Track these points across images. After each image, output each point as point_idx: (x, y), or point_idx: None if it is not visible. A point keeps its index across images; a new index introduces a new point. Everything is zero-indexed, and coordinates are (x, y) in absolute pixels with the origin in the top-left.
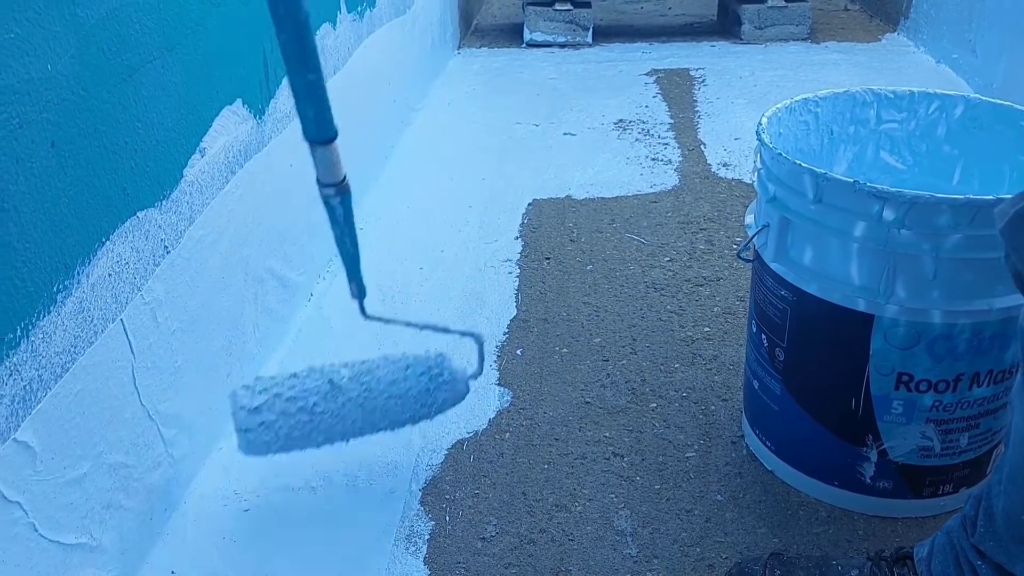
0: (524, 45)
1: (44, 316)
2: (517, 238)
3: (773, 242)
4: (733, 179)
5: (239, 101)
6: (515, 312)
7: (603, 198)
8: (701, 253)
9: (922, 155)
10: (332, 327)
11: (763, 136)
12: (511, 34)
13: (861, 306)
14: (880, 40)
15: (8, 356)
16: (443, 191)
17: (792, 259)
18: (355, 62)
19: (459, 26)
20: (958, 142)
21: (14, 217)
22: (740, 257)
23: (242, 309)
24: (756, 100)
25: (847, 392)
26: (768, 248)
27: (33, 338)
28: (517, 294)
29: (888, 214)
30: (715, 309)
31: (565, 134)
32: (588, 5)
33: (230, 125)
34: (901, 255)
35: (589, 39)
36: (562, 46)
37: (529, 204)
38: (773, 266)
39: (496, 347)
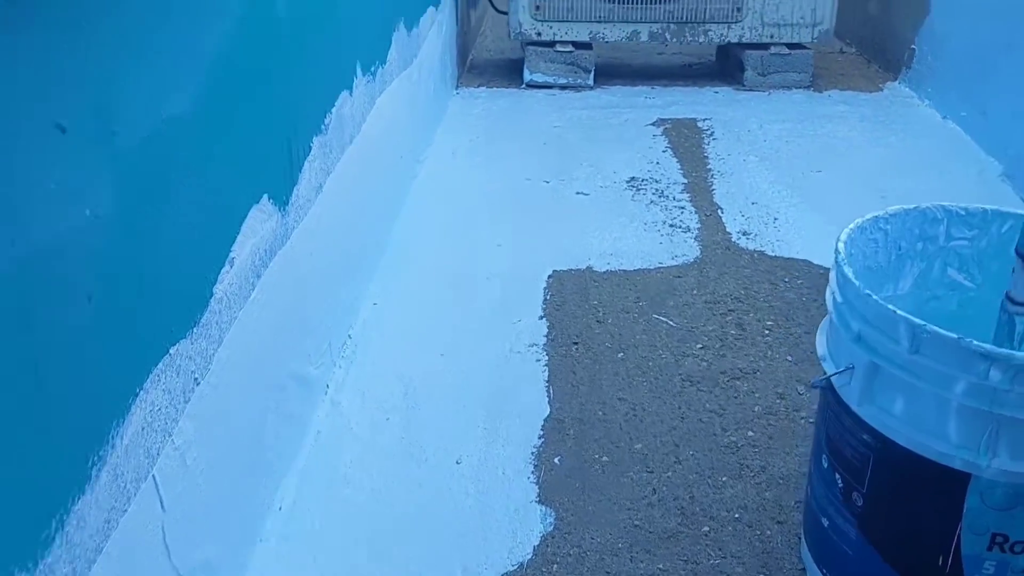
0: (524, 86)
1: (79, 499)
2: (541, 317)
3: (859, 385)
4: (755, 250)
5: (265, 197)
6: (548, 410)
7: (625, 271)
8: (733, 339)
9: (993, 274)
10: (352, 428)
11: (845, 270)
12: (509, 72)
13: (957, 464)
14: (882, 89)
15: (42, 558)
16: (459, 259)
17: (880, 406)
18: (369, 125)
19: (456, 63)
20: None
21: (52, 390)
22: (814, 386)
23: (264, 421)
24: (768, 157)
25: (935, 548)
26: (852, 391)
27: (67, 528)
28: (548, 387)
29: (995, 375)
30: (756, 408)
31: (578, 193)
32: (589, 47)
33: (257, 225)
34: (1007, 417)
35: (590, 81)
36: (563, 87)
37: (549, 276)
38: (857, 410)
39: (532, 454)
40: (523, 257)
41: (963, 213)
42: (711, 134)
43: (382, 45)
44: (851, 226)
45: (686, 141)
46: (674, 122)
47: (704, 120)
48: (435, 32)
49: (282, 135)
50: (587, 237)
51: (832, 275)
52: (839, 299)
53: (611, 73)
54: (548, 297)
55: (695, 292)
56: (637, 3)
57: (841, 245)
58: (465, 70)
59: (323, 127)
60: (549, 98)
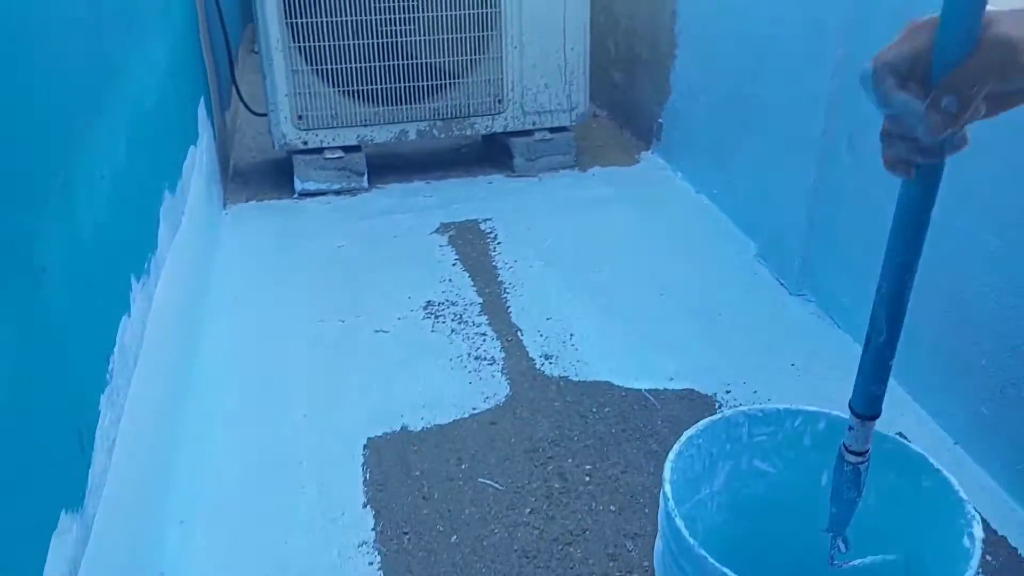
0: (296, 195)
1: None
2: (365, 505)
3: None
4: (560, 378)
5: (62, 517)
6: None
7: (441, 426)
8: (558, 495)
9: (790, 460)
10: None
11: (677, 523)
12: (276, 177)
13: None
14: (638, 161)
15: None
16: (263, 445)
17: None
18: (150, 329)
19: (220, 179)
20: (824, 449)
21: None
22: None
23: None
24: (552, 260)
25: None
26: None
27: None
28: None
29: None
30: None
31: (376, 332)
32: (359, 149)
33: (58, 549)
34: None
35: (365, 183)
36: (338, 193)
37: (365, 447)
38: None
39: None
40: (332, 426)
41: (761, 415)
42: (495, 238)
43: (150, 231)
44: (670, 457)
45: (473, 249)
46: (458, 227)
47: (486, 221)
48: (198, 172)
49: (71, 426)
50: (396, 387)
51: (660, 515)
52: (669, 540)
53: (385, 168)
54: (368, 476)
55: (513, 441)
56: (402, 104)
57: (668, 487)
58: (229, 179)
59: (107, 377)
60: (325, 208)
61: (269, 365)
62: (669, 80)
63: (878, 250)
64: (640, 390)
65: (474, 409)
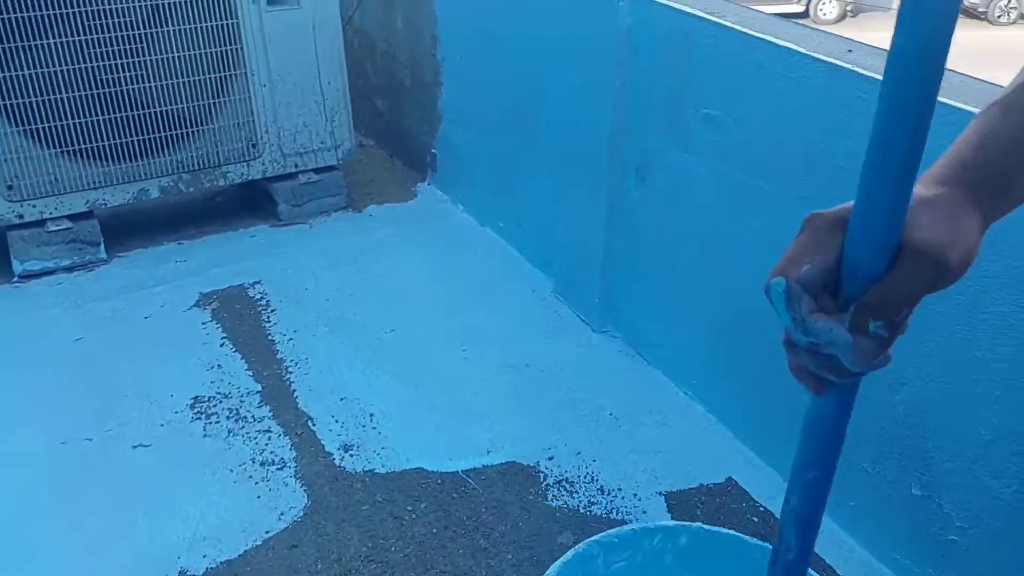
0: (16, 279)
1: None
2: None
3: None
4: (365, 472)
5: None
6: None
7: (228, 562)
8: None
9: None
10: None
11: None
12: None
13: None
14: (415, 195)
15: None
16: None
17: None
18: None
19: None
20: (688, 565)
21: None
22: None
23: None
24: (336, 324)
25: None
26: None
27: None
28: None
29: None
30: None
31: (135, 447)
32: (91, 215)
33: None
34: None
35: (102, 254)
36: (69, 270)
37: None
38: None
39: None
40: None
41: (616, 541)
42: (267, 305)
43: None
44: None
45: (243, 323)
46: (221, 296)
47: (254, 284)
48: None
49: None
50: (166, 519)
51: None
52: None
53: (126, 232)
54: None
55: (320, 567)
56: (138, 159)
57: None
58: None
59: None
60: (55, 291)
61: (12, 509)
62: (438, 107)
63: (678, 280)
64: (457, 472)
65: (267, 532)
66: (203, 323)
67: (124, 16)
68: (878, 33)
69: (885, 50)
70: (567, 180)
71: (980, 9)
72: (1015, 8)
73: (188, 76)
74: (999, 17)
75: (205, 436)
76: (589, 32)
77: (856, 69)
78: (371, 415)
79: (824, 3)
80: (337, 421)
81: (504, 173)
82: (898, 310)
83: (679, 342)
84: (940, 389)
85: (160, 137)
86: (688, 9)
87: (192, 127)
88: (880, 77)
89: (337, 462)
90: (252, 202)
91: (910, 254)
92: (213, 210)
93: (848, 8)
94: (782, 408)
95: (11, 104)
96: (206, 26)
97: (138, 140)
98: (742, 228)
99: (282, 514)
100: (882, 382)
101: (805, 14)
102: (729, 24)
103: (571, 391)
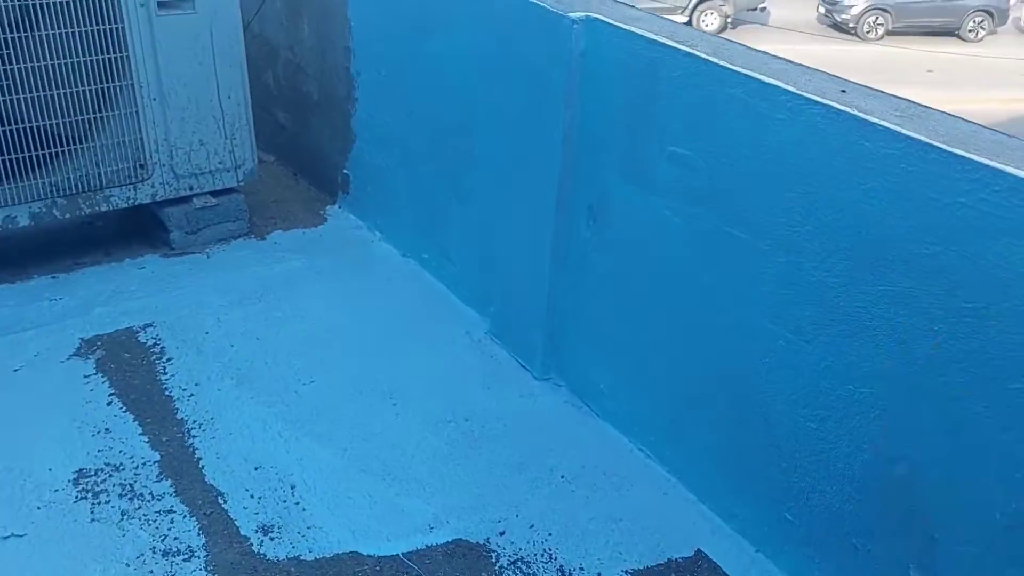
0: None
1: None
2: None
3: None
4: (289, 559)
5: None
6: None
7: None
8: None
9: None
10: None
11: None
12: None
13: None
14: (326, 219)
15: None
16: None
17: None
18: None
19: None
20: None
21: None
22: None
23: None
24: (246, 376)
25: None
26: None
27: None
28: None
29: None
30: None
31: (6, 538)
32: None
33: None
34: None
35: None
36: None
37: None
38: None
39: None
40: None
41: None
42: (161, 353)
43: None
44: None
45: (134, 375)
46: (106, 342)
47: (145, 327)
48: None
49: None
50: None
51: None
52: None
53: None
54: None
55: None
56: (5, 182)
57: None
58: None
59: None
60: None
61: None
62: (351, 125)
63: (634, 328)
64: (397, 555)
65: None
66: (86, 376)
67: None
68: (760, 45)
69: (881, 91)
70: (507, 214)
71: (851, 25)
72: (882, 25)
73: (65, 87)
74: (868, 33)
75: (93, 520)
76: (535, 54)
77: (854, 112)
78: (292, 487)
79: (706, 14)
80: (252, 496)
81: (430, 201)
82: None
83: (634, 395)
84: (946, 467)
85: (31, 156)
86: (652, 36)
87: (69, 145)
88: (879, 120)
89: (255, 548)
90: (139, 228)
91: None
92: (93, 237)
93: (728, 20)
94: (752, 471)
95: None
96: (86, 31)
97: (5, 160)
98: (713, 278)
99: None
100: (879, 453)
101: (688, 23)
102: (702, 56)
103: (517, 450)
